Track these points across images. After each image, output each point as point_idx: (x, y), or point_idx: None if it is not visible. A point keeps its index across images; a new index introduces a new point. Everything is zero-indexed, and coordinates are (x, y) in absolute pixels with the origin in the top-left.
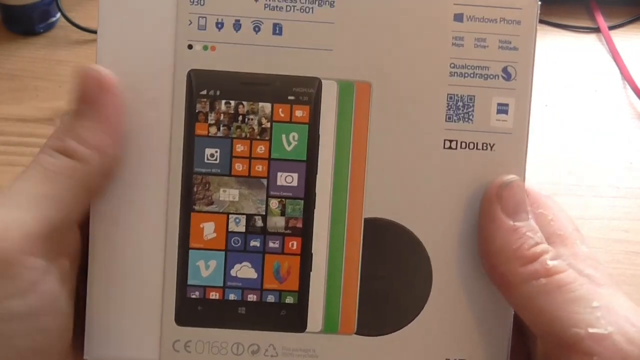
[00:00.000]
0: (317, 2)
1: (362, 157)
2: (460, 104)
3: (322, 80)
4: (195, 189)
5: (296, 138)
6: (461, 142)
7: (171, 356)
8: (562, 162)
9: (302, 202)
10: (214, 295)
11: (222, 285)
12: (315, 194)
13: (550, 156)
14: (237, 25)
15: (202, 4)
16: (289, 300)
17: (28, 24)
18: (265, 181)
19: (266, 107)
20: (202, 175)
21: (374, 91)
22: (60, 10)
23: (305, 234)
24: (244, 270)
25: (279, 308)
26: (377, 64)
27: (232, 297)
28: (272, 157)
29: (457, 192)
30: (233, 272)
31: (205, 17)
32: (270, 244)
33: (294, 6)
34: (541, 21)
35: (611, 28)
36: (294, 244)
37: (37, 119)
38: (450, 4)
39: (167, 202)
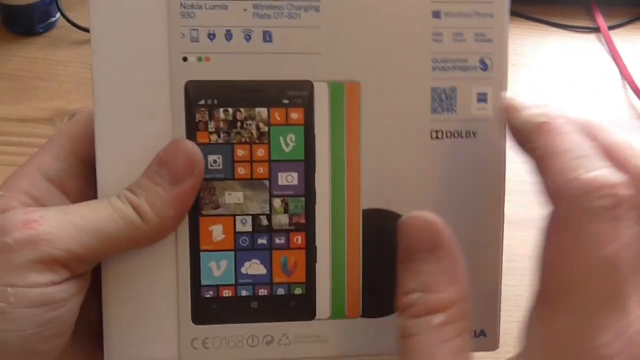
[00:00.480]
0: (303, 8)
1: (356, 152)
2: (443, 96)
3: (314, 83)
4: (201, 195)
5: (293, 139)
6: (446, 132)
7: (190, 353)
8: None
9: (303, 199)
10: (227, 293)
11: (234, 283)
12: (315, 190)
13: None
14: (228, 35)
15: (192, 16)
16: (298, 291)
17: (28, 24)
18: (267, 182)
19: (263, 112)
20: (207, 180)
21: (363, 90)
22: (60, 10)
23: (309, 228)
24: (254, 267)
25: (288, 299)
26: (364, 64)
27: (244, 293)
28: (272, 159)
29: (445, 178)
30: (243, 270)
31: (197, 29)
32: (277, 241)
33: (281, 13)
34: (541, 21)
35: (611, 28)
36: (298, 239)
37: (37, 119)
38: (428, 2)
39: None
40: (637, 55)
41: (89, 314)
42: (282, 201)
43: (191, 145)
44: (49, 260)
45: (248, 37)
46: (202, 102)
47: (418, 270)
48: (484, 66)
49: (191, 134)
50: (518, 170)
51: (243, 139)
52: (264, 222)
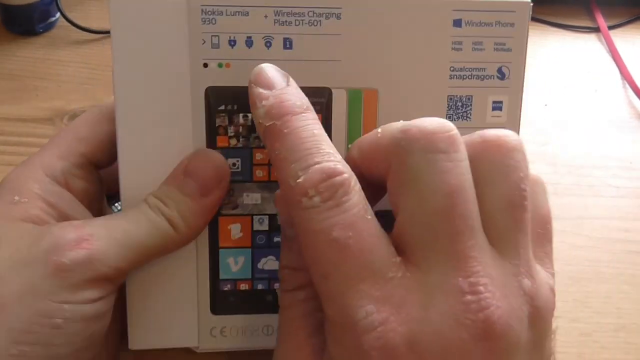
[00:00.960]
0: (324, 15)
1: None
2: (459, 104)
3: (332, 90)
4: None
5: None
6: None
7: (209, 341)
8: (562, 162)
9: None
10: (243, 286)
11: (251, 277)
12: None
13: (550, 156)
14: (249, 42)
15: (213, 22)
16: None
17: (28, 24)
18: None
19: None
20: None
21: (380, 97)
22: (60, 10)
23: None
24: (270, 263)
25: None
26: (382, 72)
27: (260, 287)
28: None
29: None
30: (260, 266)
31: (218, 36)
32: None
33: (302, 20)
34: (541, 21)
35: (611, 28)
36: None
37: (37, 119)
38: (450, 11)
39: None
40: (637, 55)
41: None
42: None
43: (220, 157)
44: (101, 278)
45: (268, 44)
46: (222, 107)
47: (287, 247)
48: (502, 75)
49: (211, 139)
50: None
51: (261, 143)
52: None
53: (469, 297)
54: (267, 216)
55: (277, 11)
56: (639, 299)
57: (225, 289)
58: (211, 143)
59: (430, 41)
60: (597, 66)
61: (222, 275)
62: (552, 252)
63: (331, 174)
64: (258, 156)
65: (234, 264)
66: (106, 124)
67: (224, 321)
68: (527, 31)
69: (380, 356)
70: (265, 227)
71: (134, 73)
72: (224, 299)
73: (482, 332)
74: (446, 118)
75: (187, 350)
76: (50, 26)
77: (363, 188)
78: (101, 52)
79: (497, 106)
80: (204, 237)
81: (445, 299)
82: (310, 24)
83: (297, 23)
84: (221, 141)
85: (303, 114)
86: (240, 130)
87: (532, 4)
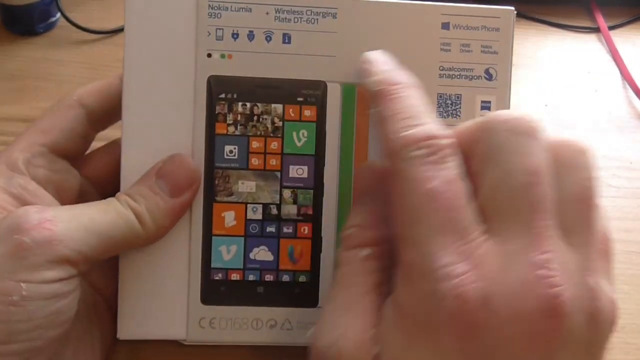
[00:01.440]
0: (321, 14)
1: (364, 150)
2: (449, 102)
3: (327, 83)
4: (216, 182)
5: (305, 135)
6: None
7: (198, 332)
8: None
9: (312, 191)
10: (235, 276)
11: (242, 267)
12: (323, 184)
13: None
14: (250, 36)
15: (219, 17)
16: (302, 279)
17: (28, 24)
18: (278, 174)
19: (278, 107)
20: (222, 169)
21: None
22: (60, 10)
23: (316, 219)
24: (262, 254)
25: (293, 286)
26: None
27: (251, 277)
28: (284, 152)
29: None
30: (252, 256)
31: (222, 29)
32: (285, 230)
33: (300, 18)
34: (541, 21)
35: (611, 28)
36: (305, 229)
37: (37, 119)
38: (438, 14)
39: None
40: (637, 56)
41: (105, 291)
42: (291, 192)
43: (193, 163)
44: (62, 260)
45: (269, 38)
46: (223, 95)
47: (358, 210)
48: (489, 76)
49: (211, 125)
50: None
51: (258, 132)
52: (274, 211)
53: (543, 271)
54: (261, 205)
55: (277, 9)
56: (639, 299)
57: (217, 278)
58: (210, 129)
59: (420, 42)
60: (597, 66)
61: (214, 264)
62: (612, 271)
63: (438, 136)
64: (254, 144)
65: (226, 253)
66: (70, 114)
67: (214, 312)
68: (513, 36)
69: (453, 305)
70: (258, 216)
71: (143, 59)
72: (214, 289)
73: (551, 308)
74: (436, 115)
75: (179, 344)
76: (50, 26)
77: None
78: (101, 53)
79: (486, 106)
80: (198, 224)
81: (522, 268)
82: (308, 21)
83: (296, 20)
84: (220, 128)
85: (415, 88)
86: (239, 118)
87: (515, 12)
